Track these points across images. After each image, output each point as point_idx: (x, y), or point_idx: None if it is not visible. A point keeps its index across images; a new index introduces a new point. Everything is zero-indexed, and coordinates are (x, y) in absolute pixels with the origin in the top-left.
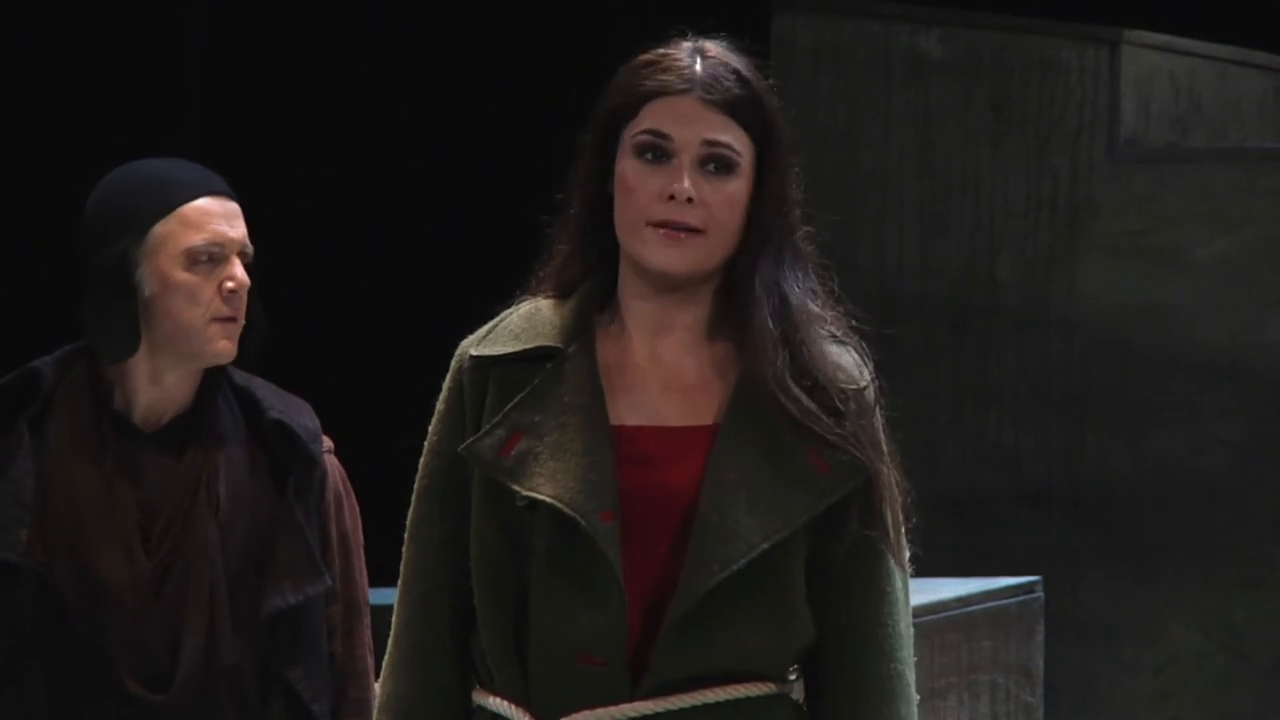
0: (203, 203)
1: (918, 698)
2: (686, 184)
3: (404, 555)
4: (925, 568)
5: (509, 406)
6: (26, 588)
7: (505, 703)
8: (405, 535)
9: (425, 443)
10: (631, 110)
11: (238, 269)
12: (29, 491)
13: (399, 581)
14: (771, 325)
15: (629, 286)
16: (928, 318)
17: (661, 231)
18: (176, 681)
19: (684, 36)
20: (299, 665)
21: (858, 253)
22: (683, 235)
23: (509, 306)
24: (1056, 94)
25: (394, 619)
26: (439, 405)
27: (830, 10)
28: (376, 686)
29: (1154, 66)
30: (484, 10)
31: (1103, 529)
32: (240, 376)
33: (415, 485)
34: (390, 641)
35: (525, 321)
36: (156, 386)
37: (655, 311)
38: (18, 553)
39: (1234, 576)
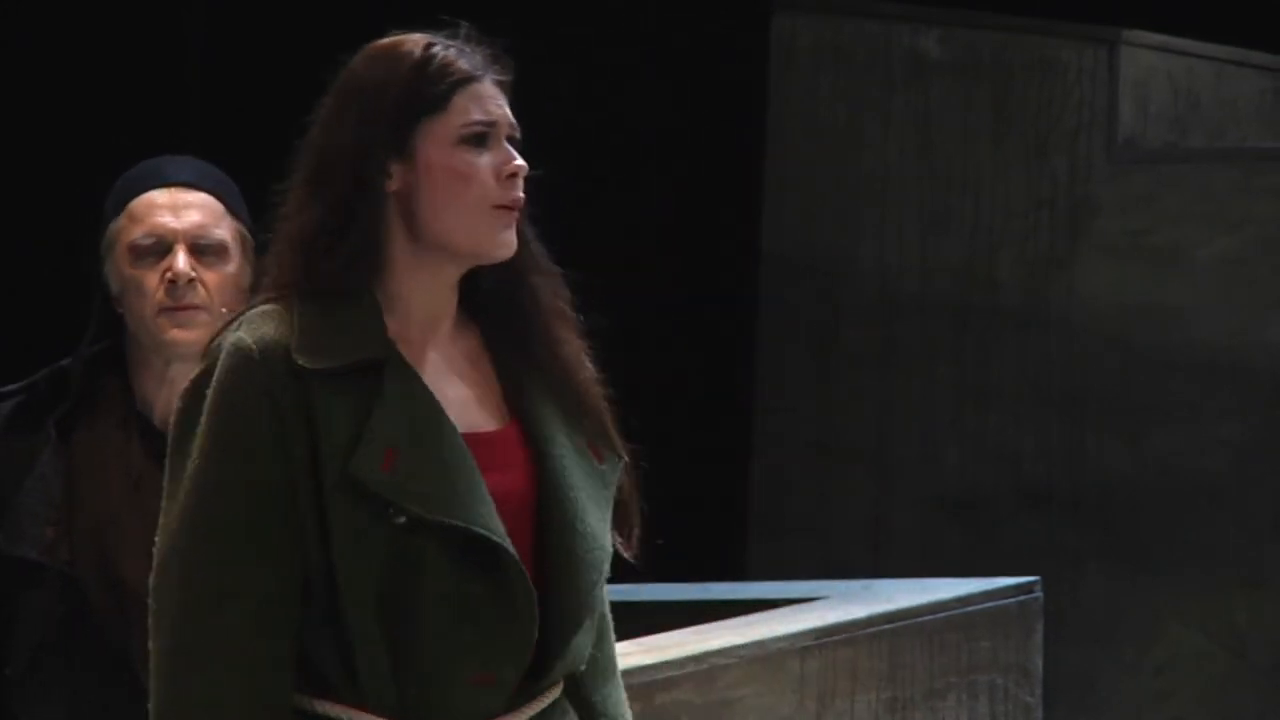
0: (149, 195)
1: None
2: (519, 160)
3: (206, 558)
4: (926, 568)
5: (372, 420)
6: (51, 586)
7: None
8: (206, 538)
9: (210, 454)
10: (438, 103)
11: (178, 259)
12: (59, 490)
13: (195, 580)
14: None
15: (412, 282)
16: (928, 318)
17: (503, 214)
18: None
19: (407, 32)
20: None
21: (858, 253)
22: (515, 215)
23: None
24: (1055, 94)
25: (194, 621)
26: (225, 410)
27: (830, 10)
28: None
29: (1152, 66)
30: (483, 11)
31: (1103, 529)
32: None
33: (206, 486)
34: (190, 648)
35: (320, 330)
36: (168, 386)
37: (432, 307)
38: (39, 550)
39: (1234, 576)
